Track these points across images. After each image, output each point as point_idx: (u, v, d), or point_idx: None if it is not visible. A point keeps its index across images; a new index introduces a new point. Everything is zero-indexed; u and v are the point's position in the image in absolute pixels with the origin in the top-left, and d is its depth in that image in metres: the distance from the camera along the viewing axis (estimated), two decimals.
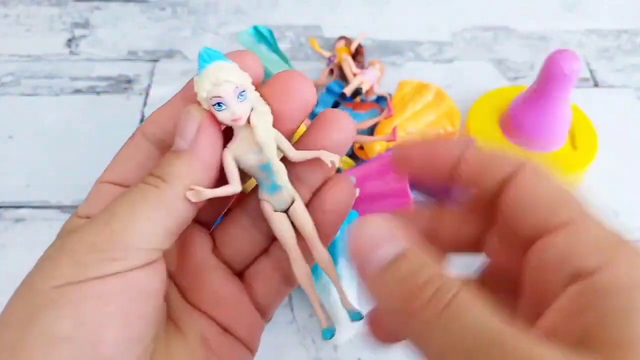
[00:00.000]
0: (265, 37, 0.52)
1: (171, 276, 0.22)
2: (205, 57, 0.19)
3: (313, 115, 0.49)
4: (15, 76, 0.55)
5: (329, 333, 0.21)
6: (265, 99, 0.20)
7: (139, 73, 0.56)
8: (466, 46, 0.60)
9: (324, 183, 0.21)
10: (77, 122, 0.51)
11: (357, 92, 0.50)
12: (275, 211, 0.20)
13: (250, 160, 0.19)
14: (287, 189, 0.20)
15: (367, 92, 0.50)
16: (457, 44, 0.60)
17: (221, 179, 0.19)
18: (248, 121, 0.19)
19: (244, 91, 0.18)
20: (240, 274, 0.23)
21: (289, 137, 0.20)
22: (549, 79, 0.43)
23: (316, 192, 0.21)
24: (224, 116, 0.18)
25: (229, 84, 0.18)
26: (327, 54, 0.56)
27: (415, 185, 0.45)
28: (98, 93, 0.54)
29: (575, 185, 0.16)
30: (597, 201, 0.50)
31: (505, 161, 0.18)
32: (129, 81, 0.55)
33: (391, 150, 0.44)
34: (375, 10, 0.64)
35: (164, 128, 0.20)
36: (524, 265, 0.17)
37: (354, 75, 0.52)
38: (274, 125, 0.20)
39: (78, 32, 0.60)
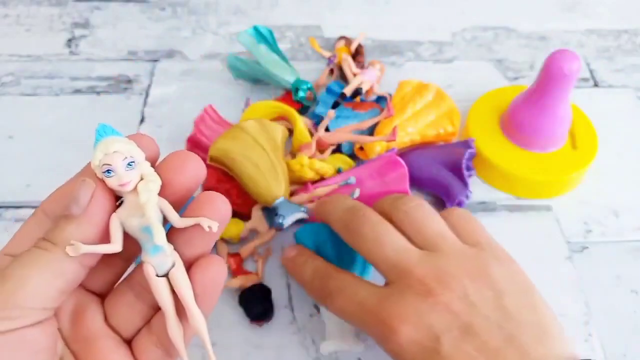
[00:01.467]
0: (265, 37, 0.52)
1: (66, 342, 0.23)
2: (101, 132, 0.21)
3: (315, 116, 0.49)
4: (15, 76, 0.55)
5: None
6: (159, 172, 0.22)
7: (139, 73, 0.56)
8: (466, 46, 0.60)
9: (195, 262, 0.23)
10: (77, 122, 0.51)
11: (357, 92, 0.50)
12: (157, 275, 0.22)
13: (134, 223, 0.21)
14: (168, 252, 0.22)
15: (367, 92, 0.50)
16: (457, 44, 0.60)
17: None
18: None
19: (132, 161, 0.20)
20: (129, 342, 0.24)
21: (180, 206, 0.23)
22: (549, 79, 0.43)
23: (189, 267, 0.23)
24: (112, 182, 0.20)
25: (118, 155, 0.20)
26: (327, 54, 0.56)
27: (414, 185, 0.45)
28: (98, 93, 0.54)
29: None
30: (597, 201, 0.50)
31: None
32: (129, 81, 0.55)
33: (392, 150, 0.44)
34: (375, 10, 0.64)
35: (64, 205, 0.21)
36: None
37: (354, 75, 0.52)
38: (165, 195, 0.22)
39: (78, 32, 0.60)
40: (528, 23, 0.63)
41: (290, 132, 0.46)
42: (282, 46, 0.57)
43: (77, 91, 0.54)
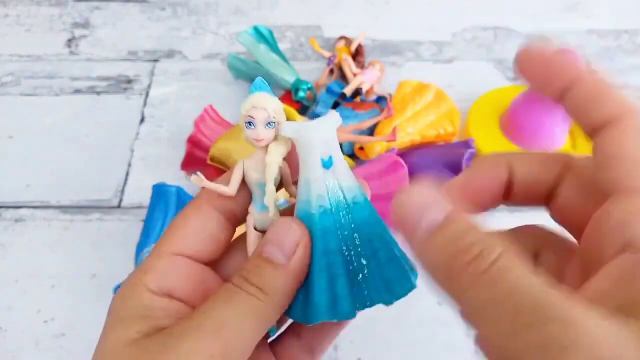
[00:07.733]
0: (265, 37, 0.52)
1: None
2: (257, 86, 0.22)
3: (315, 116, 0.49)
4: (15, 76, 0.55)
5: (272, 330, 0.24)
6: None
7: (139, 73, 0.56)
8: (466, 46, 0.60)
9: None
10: (77, 122, 0.51)
11: (357, 92, 0.50)
12: (254, 228, 0.23)
13: (253, 176, 0.22)
14: (271, 214, 0.23)
15: (367, 92, 0.50)
16: (457, 44, 0.60)
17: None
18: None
19: (273, 122, 0.22)
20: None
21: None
22: None
23: None
24: (249, 134, 0.22)
25: (263, 112, 0.21)
26: (327, 54, 0.56)
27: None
28: (98, 93, 0.54)
29: None
30: None
31: (612, 104, 0.18)
32: (129, 81, 0.55)
33: (392, 150, 0.44)
34: (375, 10, 0.64)
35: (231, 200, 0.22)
36: (587, 227, 0.17)
37: (354, 75, 0.52)
38: (290, 162, 0.22)
39: (78, 32, 0.60)
40: (528, 23, 0.62)
41: None
42: (282, 46, 0.57)
43: (77, 91, 0.54)
